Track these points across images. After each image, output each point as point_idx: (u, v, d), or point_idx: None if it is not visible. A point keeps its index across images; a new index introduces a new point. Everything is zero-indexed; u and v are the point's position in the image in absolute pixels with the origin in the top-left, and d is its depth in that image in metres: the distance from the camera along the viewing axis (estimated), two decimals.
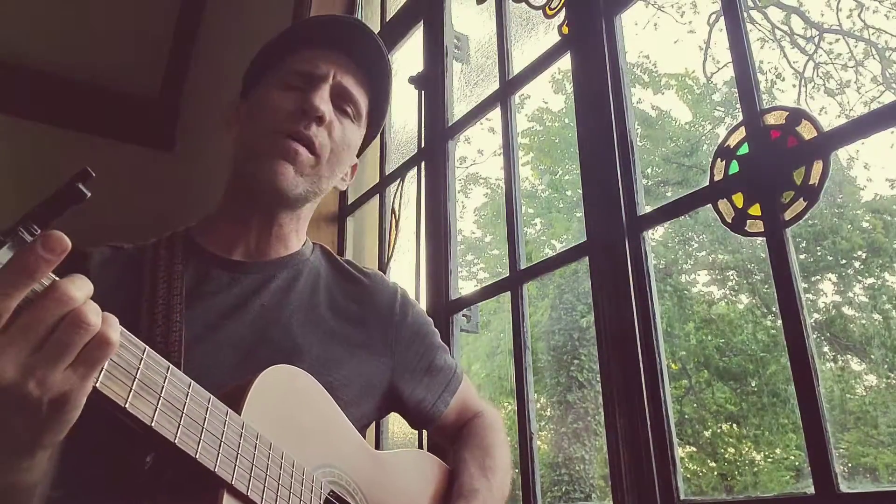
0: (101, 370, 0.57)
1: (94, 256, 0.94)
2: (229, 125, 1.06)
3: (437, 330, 1.17)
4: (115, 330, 0.56)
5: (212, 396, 0.68)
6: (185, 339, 0.85)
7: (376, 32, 2.38)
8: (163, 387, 0.63)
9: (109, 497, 0.75)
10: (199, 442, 0.65)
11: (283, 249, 1.03)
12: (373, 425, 1.89)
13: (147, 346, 0.63)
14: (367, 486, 0.89)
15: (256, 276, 0.98)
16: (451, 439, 1.14)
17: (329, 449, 0.86)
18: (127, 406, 0.59)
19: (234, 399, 0.72)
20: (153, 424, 0.61)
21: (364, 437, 0.97)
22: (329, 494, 0.82)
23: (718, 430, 10.17)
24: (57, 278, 0.55)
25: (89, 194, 0.56)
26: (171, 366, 0.65)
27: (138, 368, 0.61)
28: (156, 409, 0.61)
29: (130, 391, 0.59)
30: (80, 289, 0.55)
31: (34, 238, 0.53)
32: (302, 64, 1.00)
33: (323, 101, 0.97)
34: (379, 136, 2.24)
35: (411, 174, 2.00)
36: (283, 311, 0.96)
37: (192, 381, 0.67)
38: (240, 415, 0.71)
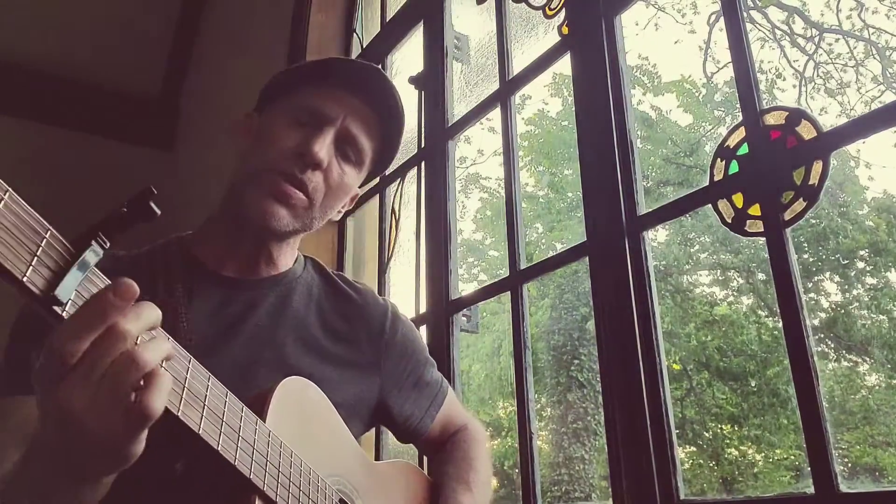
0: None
1: None
2: (237, 134, 1.05)
3: (425, 345, 1.18)
4: (164, 390, 0.57)
5: (244, 405, 0.70)
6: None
7: (377, 33, 2.39)
8: (206, 396, 0.64)
9: None
10: (237, 449, 0.67)
11: (274, 269, 1.03)
12: (372, 432, 1.90)
13: (192, 356, 0.64)
14: (365, 494, 0.93)
15: (250, 294, 0.98)
16: (434, 451, 1.16)
17: (336, 458, 0.89)
18: (179, 415, 0.60)
19: (256, 407, 0.75)
20: (200, 432, 0.62)
21: (375, 435, 1.00)
22: (339, 501, 0.85)
23: (719, 431, 10.17)
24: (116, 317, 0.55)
25: (160, 213, 0.58)
26: (211, 375, 0.66)
27: (186, 378, 0.62)
28: (202, 417, 0.63)
29: (181, 399, 0.61)
30: (134, 320, 0.56)
31: (106, 286, 0.55)
32: (315, 100, 0.99)
33: (323, 147, 0.96)
34: None
35: (411, 174, 2.00)
36: (278, 332, 0.97)
37: (228, 390, 0.68)
38: (265, 423, 0.74)
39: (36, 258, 0.51)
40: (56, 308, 0.53)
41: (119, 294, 0.54)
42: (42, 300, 0.52)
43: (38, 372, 0.56)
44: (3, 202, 0.49)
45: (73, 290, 0.53)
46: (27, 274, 0.50)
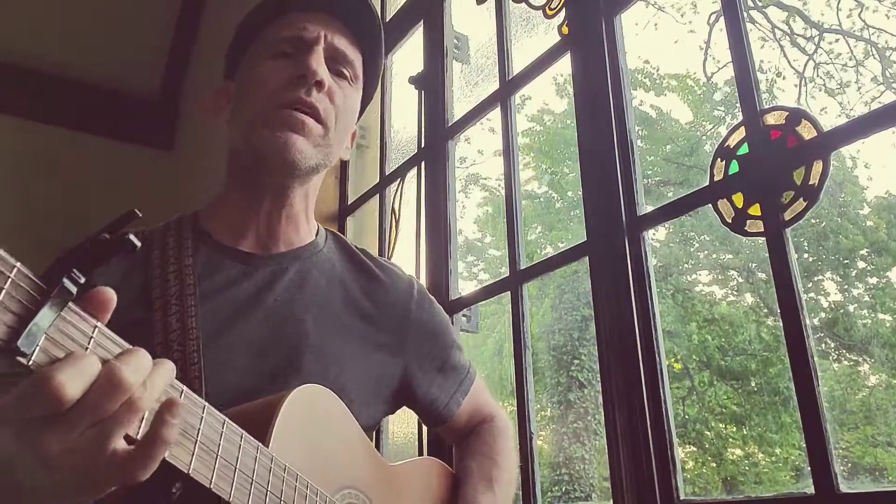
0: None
1: None
2: (218, 108, 1.01)
3: (452, 328, 1.13)
4: (173, 428, 0.54)
5: (244, 433, 0.68)
6: (203, 342, 0.84)
7: None
8: (199, 430, 0.61)
9: None
10: (233, 483, 0.64)
11: (295, 236, 0.99)
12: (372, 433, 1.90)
13: (184, 387, 0.60)
14: (380, 502, 0.90)
15: (268, 269, 0.95)
16: (459, 439, 1.13)
17: (348, 470, 0.86)
18: (167, 458, 0.56)
19: (262, 423, 0.73)
20: (191, 472, 0.59)
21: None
22: None
23: (721, 430, 10.17)
24: (111, 358, 0.52)
25: (139, 245, 0.53)
26: (207, 405, 0.63)
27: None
28: (192, 455, 0.60)
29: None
30: (136, 371, 0.52)
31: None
32: (288, 29, 0.95)
33: (320, 63, 0.92)
34: (379, 136, 2.25)
35: (411, 174, 2.00)
36: (298, 307, 0.93)
37: (226, 419, 0.65)
38: (268, 443, 0.71)
39: None
40: (21, 359, 0.47)
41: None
42: (4, 352, 0.46)
43: (3, 405, 0.50)
44: None
45: (39, 338, 0.48)
46: None
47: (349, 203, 2.28)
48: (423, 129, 1.95)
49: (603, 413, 1.28)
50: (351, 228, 2.27)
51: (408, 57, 2.24)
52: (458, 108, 1.92)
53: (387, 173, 2.15)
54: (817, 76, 11.53)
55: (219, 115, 1.01)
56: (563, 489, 9.33)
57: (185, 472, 0.58)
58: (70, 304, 0.50)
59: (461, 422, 1.11)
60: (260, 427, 0.72)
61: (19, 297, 0.46)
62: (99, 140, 3.33)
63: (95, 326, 0.52)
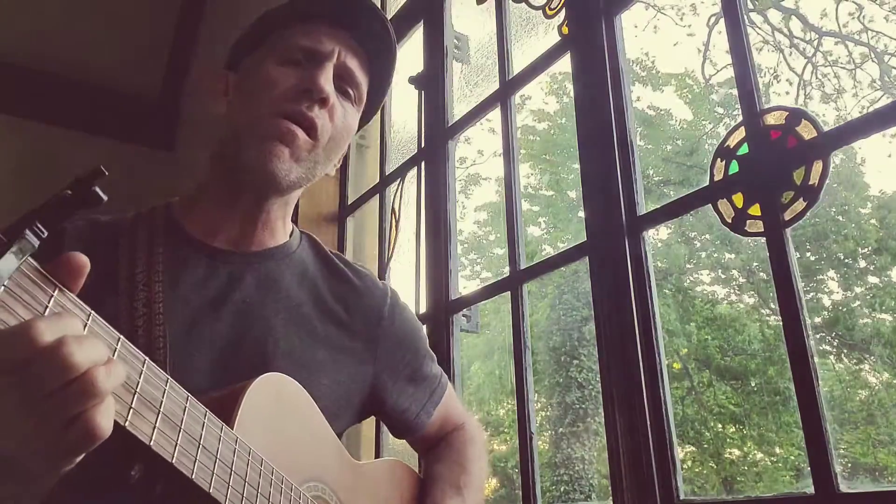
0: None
1: (69, 232, 0.89)
2: (215, 94, 0.98)
3: (425, 336, 1.13)
4: (109, 417, 0.52)
5: (207, 411, 0.66)
6: (169, 335, 0.81)
7: None
8: (161, 402, 0.59)
9: None
10: (196, 461, 0.62)
11: (270, 239, 0.97)
12: (373, 430, 1.90)
13: (147, 358, 0.59)
14: (347, 498, 0.88)
15: (238, 268, 0.92)
16: (428, 449, 1.11)
17: (314, 461, 0.84)
18: (126, 425, 0.55)
19: (226, 407, 0.71)
20: (152, 444, 0.58)
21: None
22: None
23: (720, 430, 10.17)
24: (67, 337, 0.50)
25: (106, 199, 0.52)
26: (170, 378, 0.61)
27: (138, 382, 0.57)
28: (154, 428, 0.58)
29: (130, 409, 0.56)
30: (88, 353, 0.50)
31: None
32: (305, 38, 0.93)
33: (328, 81, 0.91)
34: (379, 136, 2.25)
35: (411, 174, 2.00)
36: (267, 309, 0.91)
37: (189, 395, 0.64)
38: (232, 427, 0.70)
39: None
40: None
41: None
42: None
43: None
44: None
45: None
46: None
47: (349, 203, 2.28)
48: (423, 129, 1.96)
49: (603, 413, 1.28)
50: (351, 228, 2.27)
51: (408, 57, 2.24)
52: (458, 108, 1.92)
53: (387, 173, 2.15)
54: (815, 79, 11.54)
55: (215, 101, 0.98)
56: (563, 489, 9.34)
57: (147, 443, 0.57)
58: (30, 259, 0.49)
59: (431, 431, 1.09)
60: (224, 412, 0.70)
61: None
62: (99, 140, 3.33)
63: (57, 287, 0.51)
